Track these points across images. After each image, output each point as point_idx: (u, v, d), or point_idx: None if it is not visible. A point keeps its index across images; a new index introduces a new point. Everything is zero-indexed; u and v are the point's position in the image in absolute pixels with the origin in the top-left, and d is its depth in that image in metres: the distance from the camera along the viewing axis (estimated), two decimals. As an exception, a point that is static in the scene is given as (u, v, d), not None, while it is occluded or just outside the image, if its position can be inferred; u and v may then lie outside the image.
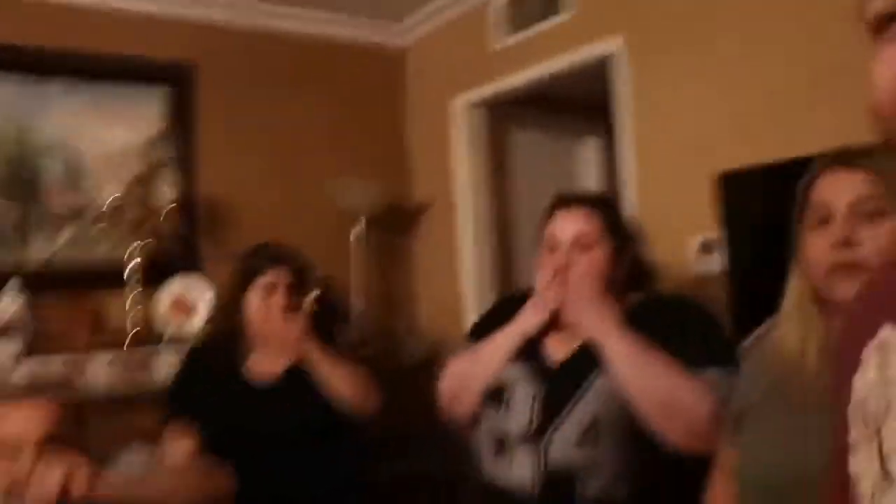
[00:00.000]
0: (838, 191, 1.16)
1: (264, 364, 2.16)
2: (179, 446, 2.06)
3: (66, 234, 2.91)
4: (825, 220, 1.16)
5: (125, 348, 2.75)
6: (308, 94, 3.44)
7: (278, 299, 2.12)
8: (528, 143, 3.62)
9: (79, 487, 1.67)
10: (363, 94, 3.59)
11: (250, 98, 3.30)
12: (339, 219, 3.26)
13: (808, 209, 1.20)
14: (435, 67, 3.54)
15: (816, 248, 1.17)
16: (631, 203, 2.53)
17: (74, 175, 2.95)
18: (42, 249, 2.86)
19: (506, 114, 3.48)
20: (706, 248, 2.10)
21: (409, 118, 3.68)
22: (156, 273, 2.89)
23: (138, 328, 2.83)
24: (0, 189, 2.82)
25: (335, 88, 3.51)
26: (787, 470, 1.14)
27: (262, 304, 2.13)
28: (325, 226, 3.23)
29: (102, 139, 2.99)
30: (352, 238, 3.27)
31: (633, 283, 1.68)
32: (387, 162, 3.58)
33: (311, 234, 2.90)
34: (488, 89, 3.26)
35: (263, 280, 2.14)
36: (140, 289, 2.85)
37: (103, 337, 2.80)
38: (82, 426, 1.85)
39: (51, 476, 1.65)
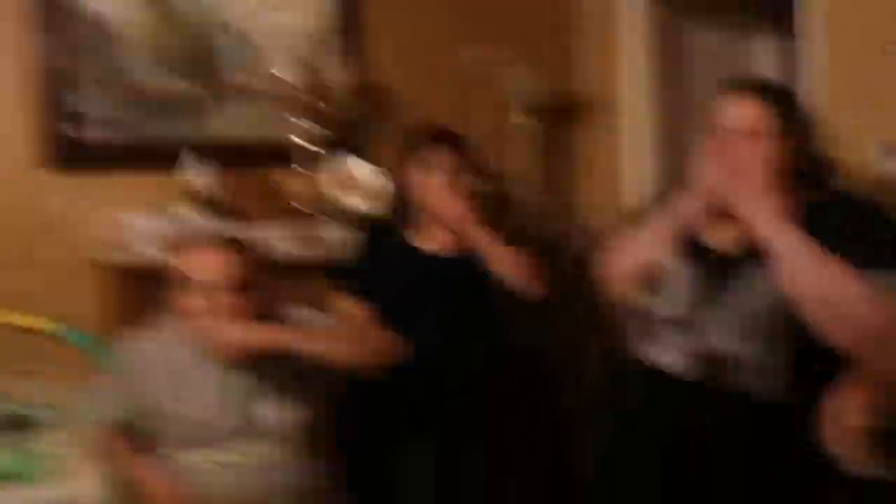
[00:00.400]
0: None
1: (433, 241, 2.26)
2: (350, 311, 2.21)
3: (241, 112, 3.08)
4: None
5: (296, 221, 2.92)
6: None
7: (443, 178, 2.20)
8: (700, 36, 3.46)
9: (259, 338, 1.84)
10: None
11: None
12: (504, 107, 3.27)
13: None
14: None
15: None
16: (811, 98, 2.40)
17: (249, 55, 3.09)
18: (219, 126, 3.06)
19: (678, 5, 3.33)
20: (892, 149, 1.98)
21: (577, 8, 3.59)
22: (326, 151, 3.02)
23: (309, 203, 2.99)
24: (180, 66, 3.01)
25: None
26: None
27: (429, 182, 2.21)
28: (490, 113, 3.26)
29: (275, 21, 3.11)
30: (515, 126, 3.29)
31: (808, 179, 1.63)
32: (553, 51, 3.52)
33: (476, 121, 2.97)
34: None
35: (429, 159, 2.22)
36: (310, 165, 3.00)
37: (274, 209, 3.00)
38: (265, 278, 2.02)
39: (235, 329, 1.83)
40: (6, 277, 2.73)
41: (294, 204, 3.01)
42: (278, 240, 2.80)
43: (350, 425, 2.24)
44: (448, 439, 2.23)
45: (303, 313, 2.07)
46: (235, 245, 1.96)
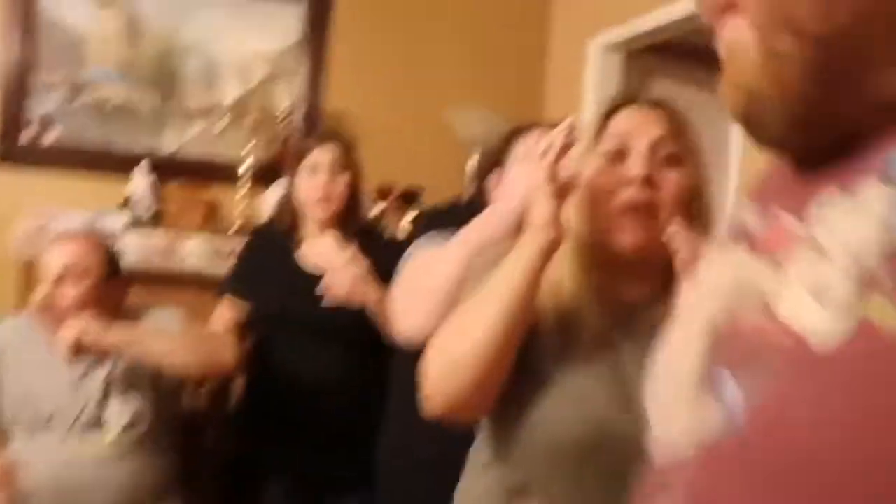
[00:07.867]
0: None
1: (317, 252, 2.16)
2: (221, 315, 2.13)
3: (194, 129, 3.12)
4: None
5: (226, 236, 2.92)
6: (446, 18, 3.42)
7: (323, 177, 2.11)
8: (666, 93, 3.38)
9: (90, 338, 1.79)
10: (502, 24, 3.50)
11: (387, 18, 3.35)
12: (460, 147, 3.22)
13: None
14: (578, 3, 3.40)
15: None
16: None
17: (210, 76, 3.15)
18: (172, 140, 3.11)
19: (645, 60, 3.28)
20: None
21: (547, 56, 3.57)
22: (268, 173, 3.01)
23: (243, 220, 2.98)
24: (145, 81, 3.08)
25: (475, 15, 3.46)
26: None
27: (309, 182, 2.14)
28: (446, 152, 3.21)
29: (239, 45, 3.18)
30: (468, 168, 3.22)
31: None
32: (518, 98, 3.47)
33: (430, 160, 2.98)
34: (627, 30, 3.07)
35: (314, 160, 2.15)
36: (250, 185, 3.00)
37: (212, 224, 2.99)
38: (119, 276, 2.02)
39: (68, 329, 1.78)
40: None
41: (231, 220, 3.01)
42: (198, 250, 2.78)
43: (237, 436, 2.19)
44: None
45: (161, 315, 2.02)
46: (88, 237, 1.96)
